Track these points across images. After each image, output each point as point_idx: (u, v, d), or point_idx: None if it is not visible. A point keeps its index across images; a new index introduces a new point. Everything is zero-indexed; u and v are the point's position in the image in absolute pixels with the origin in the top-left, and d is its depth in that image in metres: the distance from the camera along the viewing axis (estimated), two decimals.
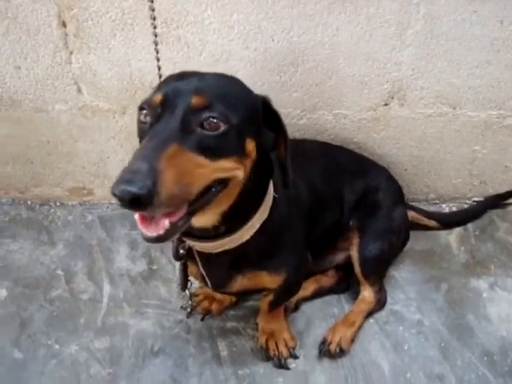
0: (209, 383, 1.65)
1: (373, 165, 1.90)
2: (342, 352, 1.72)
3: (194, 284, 1.72)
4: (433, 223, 2.04)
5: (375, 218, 1.78)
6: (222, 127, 1.02)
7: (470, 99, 1.84)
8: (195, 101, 1.02)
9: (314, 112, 1.88)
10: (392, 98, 1.84)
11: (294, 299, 1.80)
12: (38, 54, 1.74)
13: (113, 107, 1.87)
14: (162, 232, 0.99)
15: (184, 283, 1.53)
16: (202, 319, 1.82)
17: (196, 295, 1.85)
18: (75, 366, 1.70)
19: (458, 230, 2.09)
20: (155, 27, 1.66)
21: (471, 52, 1.72)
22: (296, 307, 1.85)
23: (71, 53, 1.73)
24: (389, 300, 1.86)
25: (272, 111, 1.16)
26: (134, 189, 0.87)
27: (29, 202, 2.20)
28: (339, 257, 1.89)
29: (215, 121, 1.02)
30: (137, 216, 0.99)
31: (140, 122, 1.09)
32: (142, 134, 1.08)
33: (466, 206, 2.18)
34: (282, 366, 1.70)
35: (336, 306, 1.87)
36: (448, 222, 2.09)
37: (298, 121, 1.89)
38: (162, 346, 1.74)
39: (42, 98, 1.85)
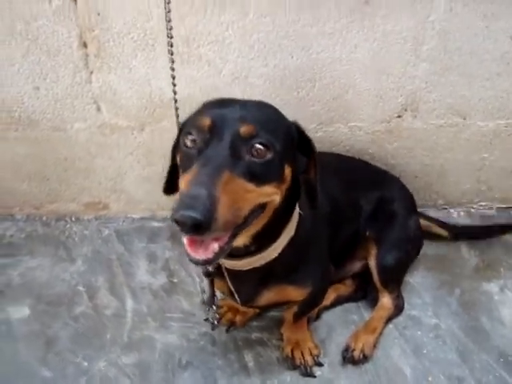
0: None
1: (386, 174, 1.95)
2: (365, 358, 1.77)
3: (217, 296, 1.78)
4: (444, 232, 2.09)
5: (391, 227, 1.83)
6: (269, 154, 1.08)
7: (480, 110, 1.91)
8: (244, 129, 1.06)
9: (331, 125, 1.93)
10: (405, 110, 1.89)
11: (316, 309, 1.85)
12: (57, 75, 1.76)
13: (131, 124, 1.90)
14: (211, 256, 1.05)
15: (212, 298, 1.57)
16: (227, 331, 1.85)
17: (220, 307, 1.89)
18: (105, 383, 1.72)
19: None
20: (171, 45, 1.69)
21: (482, 65, 1.79)
22: (317, 316, 1.90)
23: (91, 72, 1.76)
24: (406, 305, 1.91)
25: (305, 137, 1.22)
26: (195, 215, 0.92)
27: (44, 218, 2.21)
28: (356, 265, 1.94)
29: (263, 148, 1.07)
30: (185, 239, 1.04)
31: (185, 146, 1.11)
32: (188, 157, 1.10)
33: (473, 211, 2.25)
34: (308, 374, 1.74)
35: (355, 313, 1.92)
36: (459, 233, 2.13)
37: (314, 134, 1.94)
38: (189, 358, 1.77)
39: (61, 117, 1.87)
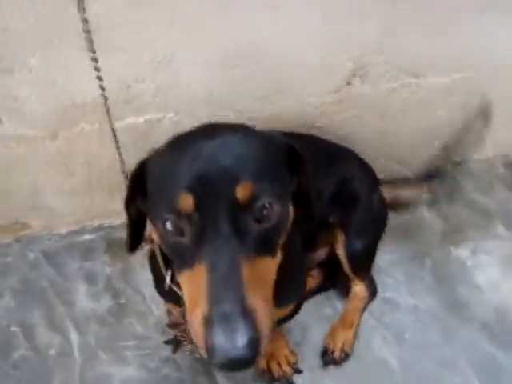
0: None
1: (341, 150, 1.75)
2: (346, 356, 1.64)
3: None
4: (414, 189, 1.96)
5: (355, 210, 1.64)
6: (277, 211, 0.83)
7: (433, 66, 1.73)
8: (241, 194, 0.79)
9: (276, 102, 1.69)
10: (354, 75, 1.68)
11: None
12: None
13: (41, 133, 1.59)
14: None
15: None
16: (174, 352, 1.54)
17: (179, 325, 1.67)
18: None
19: (427, 199, 2.03)
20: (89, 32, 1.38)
21: (433, 18, 1.60)
22: None
23: None
24: (378, 288, 1.78)
25: (297, 156, 0.96)
26: (245, 353, 0.72)
27: None
28: (320, 254, 1.77)
29: (270, 208, 0.82)
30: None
31: (167, 233, 0.84)
32: (177, 248, 0.85)
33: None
34: None
35: (328, 305, 1.77)
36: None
37: (260, 114, 1.70)
38: None
39: None
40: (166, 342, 1.63)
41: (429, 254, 1.88)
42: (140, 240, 1.12)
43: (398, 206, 1.95)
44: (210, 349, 0.73)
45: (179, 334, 1.61)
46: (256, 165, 0.83)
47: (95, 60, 1.30)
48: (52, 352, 1.65)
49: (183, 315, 1.24)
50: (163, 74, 1.54)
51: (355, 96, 1.75)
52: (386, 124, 1.88)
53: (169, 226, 0.82)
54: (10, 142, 1.59)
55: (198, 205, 0.78)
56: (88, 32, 1.13)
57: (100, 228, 1.94)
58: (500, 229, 1.95)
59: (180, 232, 0.82)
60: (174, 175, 0.82)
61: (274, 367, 1.59)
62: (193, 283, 0.81)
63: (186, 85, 1.59)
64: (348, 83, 1.70)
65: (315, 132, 1.80)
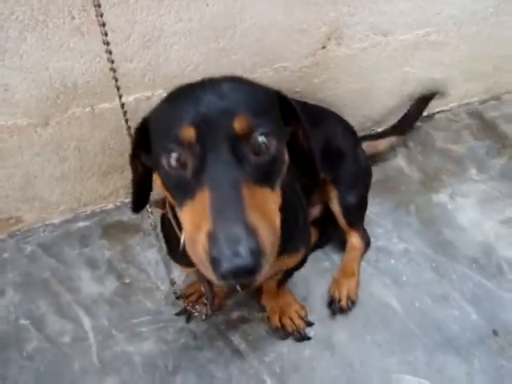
0: (241, 382, 1.57)
1: (322, 111, 1.82)
2: (352, 304, 1.72)
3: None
4: (389, 140, 2.05)
5: (344, 165, 1.73)
6: (273, 145, 0.88)
7: (400, 23, 1.83)
8: (238, 125, 0.84)
9: (256, 71, 1.75)
10: (329, 39, 1.76)
11: None
12: None
13: (33, 121, 1.59)
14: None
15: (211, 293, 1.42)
16: (204, 319, 1.65)
17: (188, 296, 1.72)
18: None
19: (402, 152, 2.15)
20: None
21: None
22: None
23: None
24: (371, 238, 1.87)
25: (288, 104, 1.00)
26: (247, 263, 0.75)
27: None
28: (314, 211, 1.85)
29: (266, 141, 0.86)
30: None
31: (169, 167, 0.87)
32: (180, 182, 0.88)
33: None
34: (303, 337, 1.66)
35: (326, 259, 1.85)
36: (403, 127, 2.09)
37: None
38: (175, 362, 1.60)
39: None
40: (178, 314, 1.69)
41: (412, 202, 2.00)
42: (145, 201, 1.15)
43: (377, 158, 2.06)
44: (215, 261, 0.77)
45: (189, 303, 1.67)
46: (252, 103, 0.88)
47: (105, 33, 1.31)
48: (66, 339, 1.66)
49: (198, 273, 1.29)
50: (151, 52, 1.58)
51: (330, 59, 1.83)
52: (359, 84, 1.97)
53: (173, 160, 0.86)
54: (2, 134, 1.58)
55: (199, 136, 0.83)
56: (98, 6, 1.14)
57: (93, 214, 1.94)
58: (473, 173, 2.08)
59: (183, 165, 0.86)
60: (176, 115, 0.87)
61: (287, 322, 1.66)
62: (195, 210, 0.84)
63: (172, 61, 1.63)
64: (323, 47, 1.78)
65: (295, 96, 1.87)
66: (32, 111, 1.57)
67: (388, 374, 1.58)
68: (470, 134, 2.21)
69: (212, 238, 0.77)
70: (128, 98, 1.64)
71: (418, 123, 2.21)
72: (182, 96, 0.91)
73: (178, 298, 1.68)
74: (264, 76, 1.77)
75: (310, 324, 1.69)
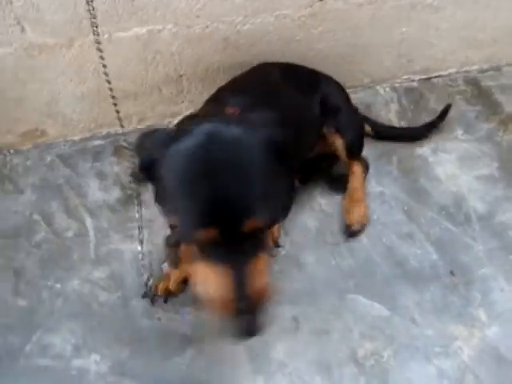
0: None
1: (317, 73, 2.01)
2: (364, 226, 1.93)
3: None
4: (368, 129, 2.19)
5: (341, 114, 1.92)
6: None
7: None
8: (248, 227, 1.04)
9: (257, 16, 1.95)
10: None
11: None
12: None
13: (60, 41, 1.84)
14: None
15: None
16: (165, 301, 1.78)
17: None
18: (83, 299, 1.76)
19: (395, 106, 2.32)
20: None
21: None
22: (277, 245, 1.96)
23: None
24: None
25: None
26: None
27: None
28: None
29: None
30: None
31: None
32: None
33: (397, 86, 2.39)
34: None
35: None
36: (381, 132, 2.22)
37: (242, 27, 1.96)
38: (160, 260, 1.85)
39: None
40: (143, 296, 1.80)
41: (396, 153, 2.15)
42: None
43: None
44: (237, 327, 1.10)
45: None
46: (259, 194, 1.06)
47: None
48: (69, 234, 1.93)
49: None
50: None
51: (328, 11, 2.00)
52: (356, 38, 2.13)
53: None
54: (32, 51, 1.85)
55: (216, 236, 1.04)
56: None
57: (108, 135, 2.22)
58: (459, 133, 2.22)
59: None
60: (196, 204, 1.03)
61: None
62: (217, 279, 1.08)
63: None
64: None
65: (295, 45, 2.07)
66: (59, 32, 1.82)
67: (344, 294, 1.77)
68: (463, 99, 2.34)
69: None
70: (142, 30, 1.88)
71: (415, 84, 2.37)
72: (193, 161, 1.05)
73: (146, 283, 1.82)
74: (265, 22, 1.97)
75: (278, 245, 1.90)
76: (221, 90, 1.74)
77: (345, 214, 1.95)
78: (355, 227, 1.91)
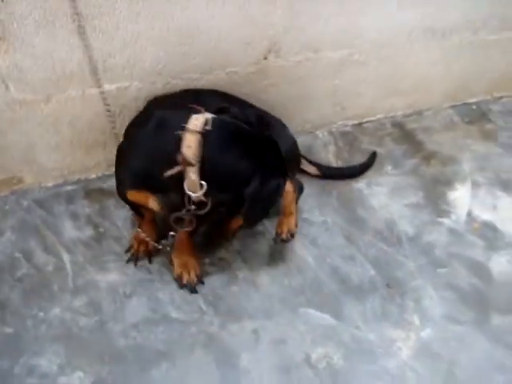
0: (182, 306, 2.02)
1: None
2: (292, 236, 2.16)
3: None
4: (313, 170, 2.49)
5: (275, 132, 2.06)
6: None
7: (328, 43, 2.36)
8: None
9: (211, 73, 2.26)
10: (270, 52, 2.28)
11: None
12: None
13: (39, 97, 2.10)
14: None
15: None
16: (150, 261, 2.16)
17: (131, 246, 2.18)
18: (64, 324, 1.94)
19: (332, 148, 2.67)
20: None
21: (324, 7, 2.23)
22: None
23: None
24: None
25: None
26: None
27: None
28: None
29: None
30: None
31: None
32: None
33: (334, 130, 2.75)
34: (192, 291, 2.08)
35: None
36: (325, 172, 2.52)
37: (198, 82, 2.27)
38: (132, 289, 2.06)
39: None
40: (128, 261, 2.16)
41: (335, 187, 2.48)
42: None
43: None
44: None
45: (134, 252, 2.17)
46: None
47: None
48: (49, 268, 2.12)
49: None
50: (129, 51, 2.10)
51: (271, 68, 2.35)
52: (296, 90, 2.48)
53: None
54: (14, 106, 2.09)
55: None
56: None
57: (79, 181, 2.45)
58: (388, 168, 2.58)
59: None
60: None
61: (185, 276, 2.09)
62: None
63: (146, 60, 2.15)
64: (265, 58, 2.30)
65: (244, 97, 2.35)
66: (38, 89, 2.08)
67: (297, 308, 2.03)
68: (391, 139, 2.73)
69: None
70: (111, 86, 2.17)
71: (349, 129, 2.74)
72: None
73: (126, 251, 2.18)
74: (217, 78, 2.29)
75: (202, 282, 2.11)
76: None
77: (277, 225, 2.18)
78: (283, 236, 2.15)
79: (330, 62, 2.43)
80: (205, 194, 1.66)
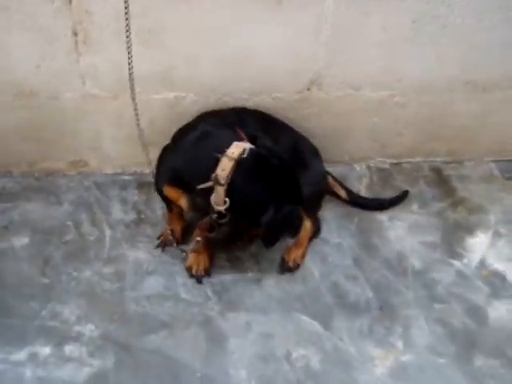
0: (191, 290, 2.30)
1: (297, 134, 2.56)
2: (297, 266, 2.40)
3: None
4: (343, 193, 2.68)
5: (305, 170, 2.34)
6: None
7: (368, 83, 2.58)
8: None
9: (258, 96, 2.56)
10: (313, 84, 2.55)
11: None
12: (54, 56, 2.34)
13: (108, 95, 2.50)
14: None
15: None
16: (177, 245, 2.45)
17: (162, 234, 2.50)
18: (91, 284, 2.29)
19: (366, 180, 2.86)
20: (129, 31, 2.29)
21: (366, 49, 2.46)
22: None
23: (80, 55, 2.35)
24: None
25: None
26: None
27: (36, 175, 2.78)
28: None
29: None
30: None
31: None
32: None
33: (372, 165, 2.94)
34: (199, 281, 2.35)
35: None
36: (354, 199, 2.70)
37: (246, 102, 2.57)
38: (154, 267, 2.38)
39: (56, 89, 2.46)
40: (157, 246, 2.49)
41: (358, 215, 2.66)
42: None
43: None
44: None
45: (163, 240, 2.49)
46: None
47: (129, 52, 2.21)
48: (91, 238, 2.48)
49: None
50: (190, 66, 2.46)
51: (314, 99, 2.60)
52: (337, 122, 2.71)
53: None
54: (87, 98, 2.51)
55: None
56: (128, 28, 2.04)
57: (135, 173, 2.83)
58: (414, 207, 2.73)
59: None
60: None
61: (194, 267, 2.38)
62: None
63: (203, 76, 2.50)
64: (308, 89, 2.57)
65: (288, 122, 2.60)
66: (108, 88, 2.49)
67: (291, 311, 2.24)
68: (425, 182, 2.87)
69: None
70: (170, 94, 2.53)
71: (386, 166, 2.92)
72: None
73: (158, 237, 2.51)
74: (264, 101, 2.58)
75: (208, 275, 2.37)
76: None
77: (285, 253, 2.42)
78: (290, 264, 2.39)
79: (370, 101, 2.64)
80: (226, 209, 1.96)
